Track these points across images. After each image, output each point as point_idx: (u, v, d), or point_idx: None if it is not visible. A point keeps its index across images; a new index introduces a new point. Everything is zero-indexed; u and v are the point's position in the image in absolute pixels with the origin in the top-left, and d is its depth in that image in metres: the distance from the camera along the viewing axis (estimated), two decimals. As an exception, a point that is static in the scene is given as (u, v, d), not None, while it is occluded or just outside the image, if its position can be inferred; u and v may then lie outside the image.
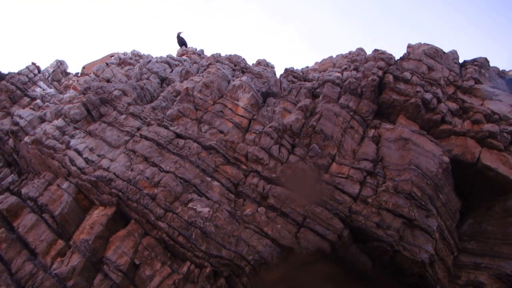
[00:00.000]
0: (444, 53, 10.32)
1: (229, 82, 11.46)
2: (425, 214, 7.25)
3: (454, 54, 10.49)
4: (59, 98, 15.94)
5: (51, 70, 19.30)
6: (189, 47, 20.45)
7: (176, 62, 15.54)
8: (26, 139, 12.86)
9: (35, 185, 11.29)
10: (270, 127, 9.21)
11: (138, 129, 10.71)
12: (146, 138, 9.87)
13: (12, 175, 15.72)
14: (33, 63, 19.21)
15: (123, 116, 11.36)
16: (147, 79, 14.19)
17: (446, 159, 8.00)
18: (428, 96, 9.07)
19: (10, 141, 15.51)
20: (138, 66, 15.53)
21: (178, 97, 11.48)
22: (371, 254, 7.33)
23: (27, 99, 17.61)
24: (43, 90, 17.84)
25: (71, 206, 10.00)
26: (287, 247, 7.08)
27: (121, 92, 12.28)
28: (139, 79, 14.27)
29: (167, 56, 16.41)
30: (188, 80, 12.04)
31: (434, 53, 10.21)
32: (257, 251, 6.97)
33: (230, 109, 10.30)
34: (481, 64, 10.08)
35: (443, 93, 9.29)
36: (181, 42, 21.66)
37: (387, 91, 9.51)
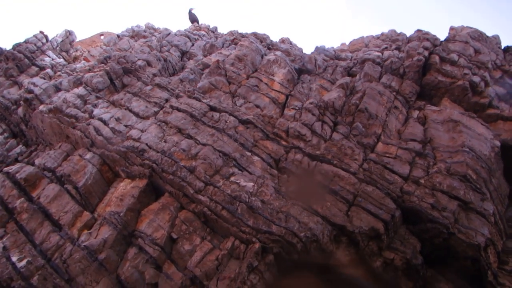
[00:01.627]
0: (487, 37, 10.07)
1: (262, 56, 11.04)
2: (480, 198, 7.04)
3: (497, 39, 10.27)
4: (71, 68, 15.34)
5: (59, 40, 18.58)
6: (201, 24, 19.87)
7: (196, 37, 15.03)
8: (42, 107, 12.33)
9: (52, 156, 10.84)
10: (311, 103, 8.88)
11: (167, 100, 10.28)
12: (178, 109, 9.45)
13: (20, 145, 15.15)
14: (41, 32, 18.47)
15: (149, 87, 10.90)
16: (167, 51, 13.68)
17: (498, 143, 7.81)
18: (476, 79, 8.83)
19: (20, 110, 14.91)
20: (156, 39, 14.98)
21: (207, 70, 11.05)
22: (421, 236, 7.11)
23: (35, 68, 16.95)
24: (52, 59, 17.17)
25: (95, 178, 9.60)
26: (339, 225, 6.82)
27: (145, 62, 11.78)
28: (159, 51, 13.74)
29: (185, 30, 15.86)
30: (216, 54, 11.60)
31: (479, 36, 9.96)
32: (309, 228, 6.69)
33: (266, 83, 9.93)
34: (525, 50, 9.89)
35: (490, 77, 9.05)
36: (193, 18, 21.00)
37: (432, 72, 9.23)
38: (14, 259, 8.18)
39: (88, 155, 9.86)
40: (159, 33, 17.54)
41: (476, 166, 7.25)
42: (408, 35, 10.96)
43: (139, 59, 11.88)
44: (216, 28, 19.07)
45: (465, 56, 9.34)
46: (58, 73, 15.21)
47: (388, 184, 7.31)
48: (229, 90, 9.97)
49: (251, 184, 7.48)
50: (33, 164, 10.79)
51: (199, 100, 9.70)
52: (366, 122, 8.46)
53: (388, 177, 7.44)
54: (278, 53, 10.56)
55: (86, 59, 16.79)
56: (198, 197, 7.71)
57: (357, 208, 7.03)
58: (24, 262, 8.01)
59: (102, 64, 12.42)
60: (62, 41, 18.74)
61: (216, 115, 9.23)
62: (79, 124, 10.48)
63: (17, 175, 10.05)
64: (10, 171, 10.42)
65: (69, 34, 19.14)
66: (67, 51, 18.89)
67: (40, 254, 8.21)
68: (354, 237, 6.82)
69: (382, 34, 12.70)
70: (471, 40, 9.64)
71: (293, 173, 7.81)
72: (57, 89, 13.16)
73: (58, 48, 18.47)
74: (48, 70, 15.77)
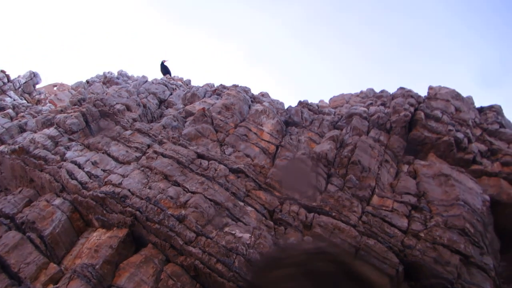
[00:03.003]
0: (463, 97, 10.79)
1: (249, 106, 11.05)
2: (479, 252, 7.06)
3: (470, 99, 11.01)
4: (37, 110, 14.58)
5: (23, 80, 17.88)
6: (174, 76, 19.94)
7: (173, 86, 14.92)
8: (3, 148, 11.43)
9: (11, 201, 9.90)
10: (303, 154, 8.82)
11: (149, 146, 9.85)
12: (164, 155, 9.03)
13: (-32, 191, 13.70)
14: (3, 71, 17.68)
15: (129, 132, 10.45)
16: (145, 98, 13.38)
17: (487, 197, 8.04)
18: (460, 135, 9.28)
19: (-26, 152, 13.69)
20: (132, 85, 14.68)
21: (191, 118, 10.85)
22: (424, 293, 6.92)
23: (-6, 108, 15.91)
24: (14, 100, 16.26)
25: (64, 226, 8.77)
26: (344, 281, 6.47)
27: (124, 106, 11.40)
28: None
29: (161, 79, 15.76)
30: (200, 102, 11.48)
31: (456, 95, 10.65)
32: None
33: (255, 133, 9.83)
34: (497, 110, 10.63)
35: (472, 134, 9.55)
36: (165, 71, 21.07)
37: (418, 128, 9.61)
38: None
39: (57, 201, 9.05)
40: (133, 81, 17.32)
41: (472, 219, 7.36)
42: (387, 92, 11.53)
43: (117, 103, 11.48)
44: (189, 80, 19.18)
45: (447, 114, 9.88)
46: (21, 114, 14.36)
47: (389, 238, 7.19)
48: (217, 139, 9.75)
49: (248, 235, 7.06)
50: (-16, 211, 9.72)
51: (186, 147, 9.38)
52: (360, 175, 8.48)
53: (388, 230, 7.34)
54: (266, 103, 10.63)
55: (52, 102, 16.07)
56: (189, 248, 7.13)
57: (360, 263, 6.75)
58: (-25, 325, 6.89)
59: (76, 106, 11.86)
60: (26, 82, 18.03)
61: (205, 162, 8.90)
62: (48, 167, 9.71)
63: (-31, 221, 8.96)
64: (-40, 217, 9.31)
65: (33, 76, 18.49)
66: (29, 93, 18.08)
67: (-4, 314, 7.12)
68: None
69: (361, 92, 13.32)
70: (451, 99, 10.28)
71: (290, 225, 7.51)
72: (21, 129, 12.37)
73: (20, 89, 17.64)
74: (9, 111, 14.89)
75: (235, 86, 13.34)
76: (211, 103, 11.37)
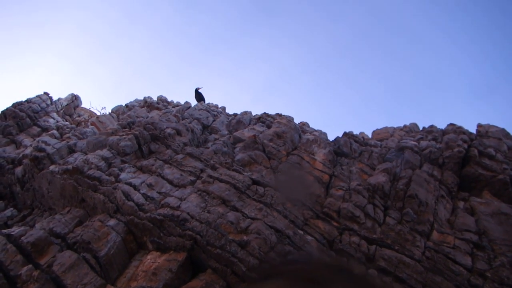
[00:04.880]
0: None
1: (300, 135, 11.19)
2: (549, 295, 6.88)
3: (519, 138, 11.00)
4: (81, 132, 14.91)
5: (64, 103, 18.35)
6: (208, 103, 20.31)
7: (215, 113, 15.21)
8: (53, 167, 11.70)
9: (61, 220, 10.04)
10: (359, 185, 8.84)
11: (202, 170, 9.97)
12: (220, 180, 9.13)
13: (11, 209, 13.97)
14: (46, 93, 18.23)
15: (180, 156, 10.62)
16: (189, 124, 13.66)
17: (550, 239, 7.90)
18: (515, 174, 9.24)
19: (18, 170, 14.06)
20: (176, 111, 15.01)
21: (240, 144, 11.00)
22: (492, 335, 6.73)
23: (37, 129, 16.42)
24: (57, 121, 16.69)
25: (119, 248, 8.83)
26: (415, 317, 6.37)
27: (174, 131, 11.63)
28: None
29: (203, 105, 16.09)
30: (248, 129, 11.66)
31: (506, 134, 10.67)
32: (386, 317, 6.19)
33: (308, 162, 9.92)
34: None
35: (526, 174, 9.51)
36: (199, 97, 21.50)
37: (472, 164, 9.60)
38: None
39: (112, 222, 9.14)
40: (172, 106, 17.69)
41: (539, 261, 7.22)
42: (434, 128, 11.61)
43: (167, 127, 11.73)
44: (224, 107, 19.51)
45: (500, 152, 9.88)
46: (66, 135, 14.71)
47: (454, 276, 7.07)
48: (270, 165, 9.85)
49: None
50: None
51: (240, 173, 9.48)
52: (417, 209, 8.44)
53: (453, 267, 7.23)
54: (316, 133, 10.77)
55: (94, 124, 16.44)
56: (253, 275, 7.09)
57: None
58: None
59: (126, 129, 12.14)
60: (67, 104, 18.48)
61: (261, 189, 8.97)
62: (102, 188, 9.86)
63: (22, 238, 9.07)
64: (12, 233, 9.43)
65: (75, 98, 19.00)
66: (70, 115, 18.55)
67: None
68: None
69: (405, 126, 13.43)
70: (503, 137, 10.30)
71: (353, 256, 7.45)
72: (71, 150, 12.64)
73: (62, 111, 18.11)
74: (54, 132, 15.30)
75: (278, 115, 13.55)
76: (259, 130, 11.56)
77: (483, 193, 9.26)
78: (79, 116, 19.14)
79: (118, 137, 11.23)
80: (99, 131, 15.45)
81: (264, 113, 13.62)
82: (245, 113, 14.56)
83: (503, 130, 10.75)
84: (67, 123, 16.38)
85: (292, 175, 9.33)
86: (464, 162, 9.86)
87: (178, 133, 11.58)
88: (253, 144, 10.50)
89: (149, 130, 11.56)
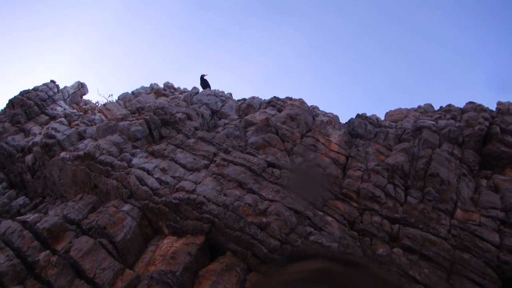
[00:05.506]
0: (534, 113, 10.52)
1: (313, 117, 10.93)
2: None
3: (541, 116, 10.69)
4: (89, 119, 14.73)
5: (71, 91, 18.15)
6: (213, 90, 20.03)
7: (223, 98, 14.95)
8: (64, 154, 11.53)
9: (75, 207, 9.90)
10: (377, 165, 8.60)
11: (215, 154, 9.76)
12: (235, 163, 8.91)
13: (23, 197, 13.86)
14: (53, 81, 18.01)
15: (192, 140, 10.41)
16: (199, 109, 13.41)
17: None
18: (539, 151, 8.98)
19: (28, 158, 13.93)
20: (184, 96, 14.77)
21: (252, 128, 10.77)
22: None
23: (45, 117, 16.24)
24: (65, 109, 16.48)
25: (134, 233, 8.68)
26: (444, 295, 6.17)
27: (185, 115, 11.40)
28: (189, 108, 13.45)
29: (211, 91, 15.82)
30: (260, 113, 11.41)
31: (528, 111, 10.39)
32: (415, 296, 6.00)
33: (323, 143, 9.68)
34: None
35: (550, 151, 9.24)
36: (205, 84, 21.20)
37: (494, 142, 9.34)
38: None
39: (126, 207, 8.96)
40: (180, 93, 17.44)
41: None
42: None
43: (178, 112, 11.49)
44: (230, 94, 19.22)
45: (523, 129, 9.61)
46: (75, 122, 14.52)
47: (483, 252, 6.86)
48: (284, 148, 9.62)
49: (336, 245, 6.83)
50: (45, 217, 9.71)
51: (254, 156, 9.25)
52: (439, 188, 8.21)
53: (481, 245, 7.01)
54: (331, 114, 10.51)
55: (101, 112, 16.23)
56: (274, 257, 6.91)
57: (458, 277, 6.45)
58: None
59: (136, 114, 11.91)
60: (74, 92, 18.26)
61: (277, 171, 8.75)
62: (115, 173, 9.67)
63: (38, 224, 8.96)
64: (28, 220, 9.32)
65: (81, 86, 18.76)
66: (77, 103, 18.35)
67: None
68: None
69: (419, 107, 13.13)
70: (526, 114, 10.04)
71: (376, 236, 7.24)
72: (81, 137, 12.45)
73: (68, 99, 17.91)
74: (62, 119, 15.10)
75: (289, 98, 13.29)
76: (271, 113, 11.30)
77: (506, 171, 9.01)
78: (85, 104, 18.95)
79: (128, 122, 11.01)
80: (106, 118, 15.27)
81: (274, 96, 13.36)
82: (253, 98, 14.29)
83: (523, 106, 10.48)
84: (74, 110, 16.19)
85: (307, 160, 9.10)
86: (485, 140, 9.60)
87: (189, 117, 11.35)
88: (266, 127, 10.26)
89: (159, 115, 11.34)
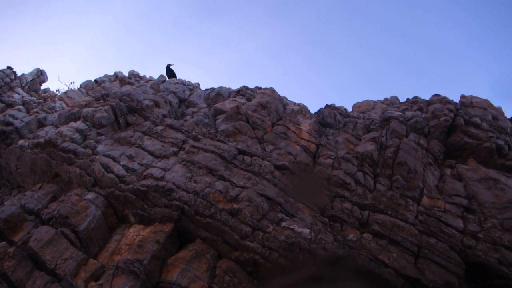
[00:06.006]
0: (495, 107, 10.94)
1: (284, 106, 10.89)
2: (538, 254, 6.98)
3: (501, 110, 11.15)
4: (49, 106, 14.05)
5: (30, 78, 17.20)
6: (179, 79, 19.66)
7: (191, 87, 14.66)
8: (22, 142, 10.91)
9: (34, 197, 9.38)
10: (348, 153, 8.69)
11: (184, 141, 9.53)
12: (205, 150, 8.72)
13: (-26, 188, 12.99)
14: (9, 67, 17.01)
15: (160, 127, 10.12)
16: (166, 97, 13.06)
17: (536, 202, 8.03)
18: (500, 142, 9.37)
19: (-18, 147, 13.03)
20: (150, 84, 14.35)
21: (223, 116, 10.59)
22: (484, 294, 6.78)
23: (1, 105, 15.27)
24: (22, 97, 15.62)
25: (99, 222, 8.36)
26: (412, 278, 6.30)
27: (152, 102, 11.06)
28: (156, 96, 13.07)
29: (178, 79, 15.47)
30: (230, 101, 11.25)
31: (490, 105, 10.78)
32: (385, 280, 6.09)
33: (294, 132, 9.66)
34: (527, 121, 10.86)
35: (510, 142, 9.65)
36: (171, 74, 20.73)
37: (458, 133, 9.65)
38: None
39: (90, 196, 8.59)
40: (145, 81, 16.96)
41: (528, 222, 7.32)
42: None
43: (145, 99, 11.13)
44: (198, 83, 18.89)
45: (486, 121, 9.98)
46: (34, 110, 13.78)
47: (448, 237, 7.07)
48: (255, 136, 9.53)
49: (307, 230, 6.82)
50: (2, 207, 9.18)
51: (225, 143, 9.10)
52: (406, 176, 8.40)
53: (446, 230, 7.24)
54: (301, 104, 10.51)
55: (62, 100, 15.50)
56: (245, 243, 6.82)
57: (425, 261, 6.62)
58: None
59: (100, 101, 11.44)
60: (33, 80, 17.34)
61: (248, 158, 8.66)
62: (78, 161, 9.24)
63: (-7, 215, 8.40)
64: (-18, 210, 8.74)
65: (40, 73, 17.85)
66: (36, 91, 17.43)
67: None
68: (425, 291, 6.31)
69: (386, 99, 13.42)
70: (488, 107, 10.41)
71: (346, 222, 7.30)
72: (41, 124, 11.83)
73: (26, 86, 16.98)
74: (20, 107, 14.27)
75: (258, 88, 13.20)
76: (241, 102, 11.17)
77: (468, 161, 9.34)
78: (44, 92, 18.05)
79: (93, 108, 10.55)
80: (68, 106, 14.61)
81: (243, 86, 13.23)
82: (222, 87, 14.10)
83: (486, 100, 10.91)
84: (33, 98, 15.36)
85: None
86: (449, 131, 9.92)
87: (156, 104, 11.03)
88: (236, 115, 10.13)
89: (126, 102, 10.93)
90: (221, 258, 7.12)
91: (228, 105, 11.06)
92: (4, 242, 7.69)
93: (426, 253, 6.74)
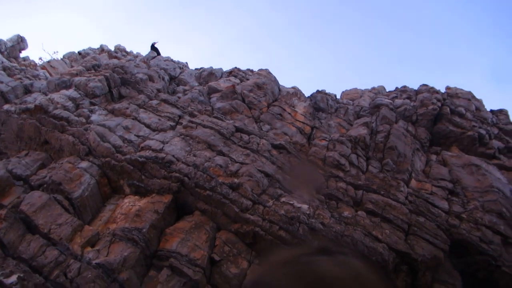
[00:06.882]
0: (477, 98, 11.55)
1: (279, 88, 11.05)
2: (514, 235, 7.56)
3: (481, 101, 11.75)
4: (33, 74, 13.62)
5: (9, 44, 16.57)
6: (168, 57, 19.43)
7: (180, 65, 14.56)
8: (8, 107, 10.63)
9: (22, 163, 9.23)
10: (342, 136, 9.00)
11: (180, 117, 9.55)
12: (204, 125, 8.80)
13: (-48, 154, 12.54)
14: (-13, 32, 16.29)
15: (155, 101, 10.10)
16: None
17: (512, 188, 8.64)
18: (482, 131, 9.92)
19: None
20: (140, 60, 14.13)
21: (217, 94, 10.65)
22: (464, 270, 7.30)
23: (-21, 70, 14.64)
24: (2, 62, 15.04)
25: (93, 190, 8.37)
26: (403, 253, 6.71)
27: (147, 76, 10.97)
28: (146, 71, 12.91)
29: (167, 57, 15.30)
30: (225, 80, 11.30)
31: (473, 96, 11.36)
32: (379, 253, 6.46)
33: (289, 113, 9.87)
34: (506, 114, 11.53)
35: (491, 132, 10.24)
36: (156, 52, 20.45)
37: (444, 121, 10.14)
38: (-5, 275, 6.46)
39: (84, 164, 8.54)
40: (133, 56, 16.67)
41: (507, 204, 7.89)
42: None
43: (139, 72, 11.01)
44: (187, 63, 18.75)
45: (469, 111, 10.52)
46: (17, 76, 13.33)
47: (435, 217, 7.53)
48: (252, 115, 9.66)
49: (306, 206, 7.10)
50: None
51: (222, 120, 9.20)
52: (396, 160, 8.80)
53: (433, 210, 7.69)
54: (296, 87, 10.71)
55: (45, 68, 15.04)
56: (246, 216, 7.02)
57: (415, 237, 7.05)
58: (14, 278, 6.33)
59: (92, 71, 11.21)
60: (12, 46, 16.71)
61: (245, 136, 8.81)
62: (71, 129, 9.12)
63: (-19, 178, 8.22)
64: (-31, 173, 8.53)
65: (20, 40, 17.21)
66: (15, 58, 16.81)
67: (33, 270, 6.61)
68: (415, 266, 6.74)
69: (373, 88, 13.81)
70: (471, 98, 10.98)
71: (341, 200, 7.63)
72: (27, 90, 11.50)
73: (6, 52, 16.36)
74: (1, 72, 13.75)
75: (250, 70, 13.29)
76: (236, 82, 11.24)
77: (451, 149, 9.87)
78: (24, 60, 17.42)
79: (86, 78, 10.35)
80: (51, 76, 14.21)
81: (235, 67, 13.28)
82: (213, 68, 14.10)
83: (469, 92, 11.47)
84: (15, 64, 14.81)
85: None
86: (435, 120, 10.41)
87: (150, 79, 10.96)
88: (232, 94, 10.22)
89: (119, 74, 10.79)
90: (220, 230, 7.30)
91: (222, 84, 11.12)
92: (-5, 205, 7.58)
93: (416, 230, 7.17)
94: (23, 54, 18.22)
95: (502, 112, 11.63)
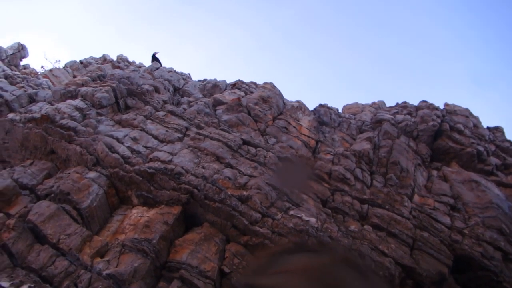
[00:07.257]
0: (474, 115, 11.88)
1: (283, 101, 11.25)
2: (515, 250, 7.77)
3: (478, 118, 12.10)
4: (36, 83, 13.64)
5: (10, 52, 16.59)
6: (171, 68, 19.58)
7: (184, 76, 14.72)
8: (13, 116, 10.66)
9: (28, 172, 9.27)
10: (346, 150, 9.19)
11: (187, 128, 9.67)
12: (211, 138, 8.93)
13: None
14: (-12, 39, 16.32)
15: (162, 113, 10.21)
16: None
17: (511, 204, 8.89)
18: (480, 148, 10.20)
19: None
20: (143, 70, 14.25)
21: (223, 107, 10.81)
22: (467, 285, 7.47)
23: (-20, 76, 14.64)
24: (4, 70, 15.06)
25: (101, 201, 8.42)
26: (408, 267, 6.87)
27: (153, 88, 11.09)
28: (150, 82, 13.04)
29: (170, 68, 15.47)
30: (229, 93, 11.47)
31: (470, 113, 11.68)
32: (386, 267, 6.61)
33: (294, 127, 10.05)
34: (502, 131, 11.86)
35: (489, 148, 10.54)
36: (157, 62, 20.60)
37: (444, 138, 10.41)
38: (4, 284, 6.49)
39: (92, 174, 8.60)
40: (135, 67, 16.79)
41: (506, 221, 8.13)
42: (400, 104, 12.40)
43: (145, 84, 11.13)
44: (189, 74, 18.91)
45: (468, 128, 10.83)
46: (19, 85, 13.35)
47: (438, 232, 7.71)
48: (257, 128, 9.82)
49: (314, 219, 7.24)
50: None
51: (229, 133, 9.35)
52: (399, 175, 9.01)
53: (436, 225, 7.88)
54: (300, 101, 10.92)
55: (46, 77, 15.07)
56: (255, 228, 7.14)
57: (420, 252, 7.21)
58: (25, 288, 6.38)
59: (97, 81, 11.30)
60: (13, 54, 16.73)
61: (252, 149, 8.95)
62: (79, 139, 9.18)
63: (-13, 188, 8.22)
64: (-25, 183, 8.53)
65: (21, 48, 17.24)
66: (16, 66, 16.83)
67: (44, 280, 6.66)
68: (420, 281, 6.89)
69: (373, 103, 14.09)
70: (469, 115, 11.30)
71: (347, 214, 7.79)
72: (31, 99, 11.54)
73: (6, 60, 16.37)
74: (3, 80, 13.79)
75: (253, 83, 13.50)
76: (241, 94, 11.42)
77: (451, 164, 10.13)
78: (25, 68, 17.44)
79: (92, 88, 10.44)
80: (53, 85, 14.27)
81: (239, 80, 13.47)
82: (217, 80, 14.28)
83: (467, 109, 11.81)
84: (17, 72, 14.83)
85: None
86: (435, 136, 10.68)
87: (156, 90, 11.08)
88: (237, 107, 10.39)
89: (125, 85, 10.90)
90: (229, 242, 7.40)
91: (228, 96, 11.29)
92: (1, 214, 7.60)
93: (420, 245, 7.34)
94: (23, 62, 18.27)
95: (498, 129, 11.97)
